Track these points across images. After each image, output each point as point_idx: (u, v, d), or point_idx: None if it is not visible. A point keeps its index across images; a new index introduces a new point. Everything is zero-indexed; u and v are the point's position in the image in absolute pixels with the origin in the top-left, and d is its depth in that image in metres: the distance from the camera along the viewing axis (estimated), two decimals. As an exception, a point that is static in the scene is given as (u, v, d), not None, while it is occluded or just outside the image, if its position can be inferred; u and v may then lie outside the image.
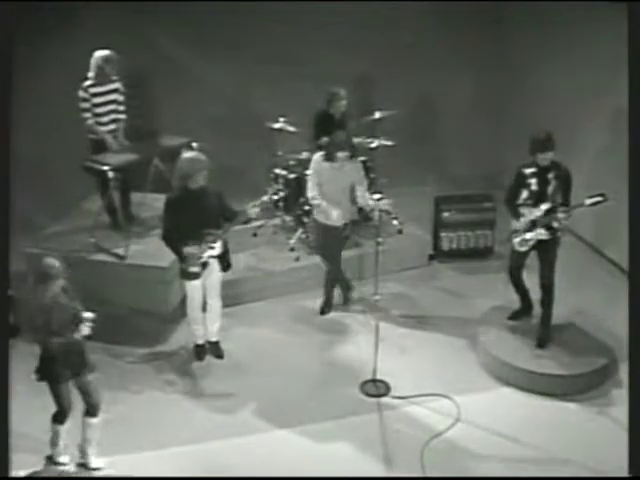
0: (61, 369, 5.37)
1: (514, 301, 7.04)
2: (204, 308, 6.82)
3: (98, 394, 5.62)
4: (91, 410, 5.58)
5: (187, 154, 6.37)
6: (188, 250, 6.32)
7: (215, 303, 6.80)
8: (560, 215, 6.26)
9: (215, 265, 6.56)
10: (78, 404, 5.59)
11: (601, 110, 7.93)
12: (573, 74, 8.30)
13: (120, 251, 7.45)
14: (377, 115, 8.40)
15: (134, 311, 7.33)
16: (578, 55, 8.22)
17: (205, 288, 6.67)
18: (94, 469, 5.67)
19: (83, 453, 5.69)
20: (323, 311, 7.59)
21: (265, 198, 6.73)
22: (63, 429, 5.54)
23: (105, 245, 7.62)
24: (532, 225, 6.43)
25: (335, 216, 6.87)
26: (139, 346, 7.15)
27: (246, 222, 6.60)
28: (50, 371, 5.37)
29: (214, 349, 6.96)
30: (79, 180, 7.73)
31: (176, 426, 6.17)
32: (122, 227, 7.75)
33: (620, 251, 7.45)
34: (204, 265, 6.46)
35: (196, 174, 6.22)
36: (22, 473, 5.59)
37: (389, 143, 8.33)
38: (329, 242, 7.20)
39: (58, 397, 5.43)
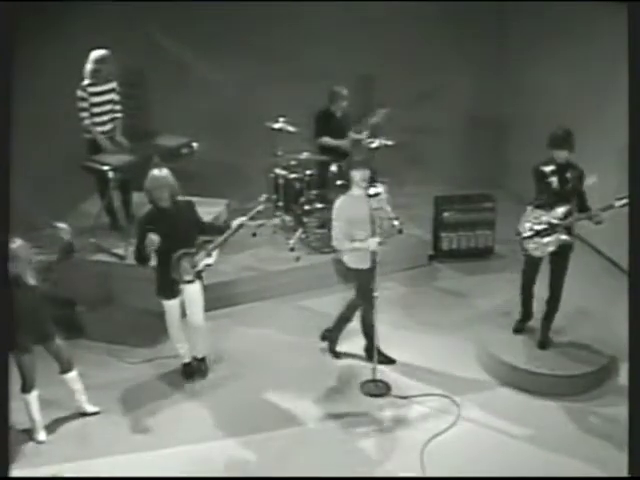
0: (22, 339, 5.73)
1: (514, 301, 7.01)
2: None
3: (68, 354, 6.08)
4: (65, 368, 6.09)
5: (153, 171, 6.17)
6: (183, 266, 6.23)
7: (198, 320, 6.54)
8: (589, 215, 6.16)
9: (196, 281, 6.39)
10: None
11: (601, 109, 7.92)
12: (573, 73, 8.30)
13: (120, 251, 7.46)
14: (377, 115, 8.39)
15: (134, 311, 7.33)
16: (578, 54, 8.22)
17: (186, 305, 6.47)
18: (92, 413, 6.26)
19: (79, 403, 6.24)
20: (371, 356, 6.64)
21: (256, 209, 6.56)
22: (31, 398, 5.92)
23: (105, 245, 7.62)
24: (550, 229, 6.26)
25: (373, 245, 6.24)
26: (139, 346, 7.15)
27: (235, 232, 6.41)
28: (13, 341, 5.68)
29: (199, 366, 6.76)
30: (79, 180, 7.74)
31: (176, 426, 6.18)
32: (122, 227, 7.76)
33: (620, 251, 7.44)
34: (199, 273, 6.36)
35: (157, 191, 6.05)
36: (21, 473, 5.61)
37: (389, 143, 8.33)
38: (366, 284, 6.45)
39: (20, 367, 5.82)
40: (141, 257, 6.25)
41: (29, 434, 6.02)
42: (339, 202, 6.40)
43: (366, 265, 6.37)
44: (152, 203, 6.17)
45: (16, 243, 5.53)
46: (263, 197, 6.73)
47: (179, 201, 6.23)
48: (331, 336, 7.02)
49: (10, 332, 5.57)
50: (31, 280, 5.66)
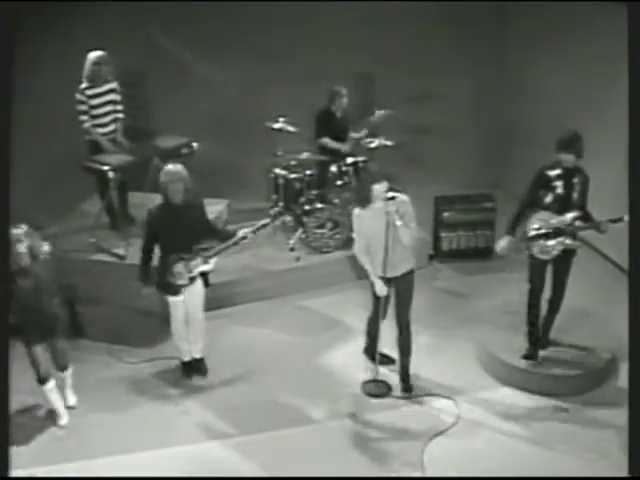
0: (31, 332, 5.84)
1: (514, 301, 7.00)
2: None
3: (66, 357, 6.20)
4: (60, 368, 6.21)
5: (167, 166, 6.18)
6: (178, 268, 6.23)
7: (198, 320, 6.59)
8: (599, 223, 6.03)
9: (198, 281, 6.40)
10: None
11: (601, 109, 7.92)
12: (573, 73, 8.30)
13: (120, 251, 7.46)
14: (377, 115, 8.40)
15: (134, 311, 7.33)
16: (578, 54, 8.22)
17: (187, 304, 6.47)
18: (70, 407, 6.31)
19: (63, 397, 6.30)
20: (372, 357, 6.65)
21: (262, 222, 6.52)
22: (48, 389, 6.06)
23: (105, 245, 7.62)
24: (557, 232, 6.14)
25: (379, 289, 6.20)
26: (139, 346, 7.15)
27: (236, 243, 6.37)
28: (22, 333, 5.82)
29: (198, 366, 6.78)
30: (79, 180, 7.74)
31: (176, 426, 6.18)
32: (121, 227, 7.76)
33: (620, 251, 7.44)
34: (192, 279, 6.32)
35: (172, 185, 6.04)
36: (21, 473, 5.61)
37: (389, 143, 8.34)
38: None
39: (32, 359, 5.94)
40: (145, 268, 6.34)
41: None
42: (357, 214, 6.14)
43: (384, 274, 6.18)
44: (165, 198, 6.16)
45: (22, 229, 5.60)
46: (273, 210, 6.77)
47: (191, 200, 6.21)
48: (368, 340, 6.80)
49: (19, 326, 5.71)
50: (37, 268, 5.69)
